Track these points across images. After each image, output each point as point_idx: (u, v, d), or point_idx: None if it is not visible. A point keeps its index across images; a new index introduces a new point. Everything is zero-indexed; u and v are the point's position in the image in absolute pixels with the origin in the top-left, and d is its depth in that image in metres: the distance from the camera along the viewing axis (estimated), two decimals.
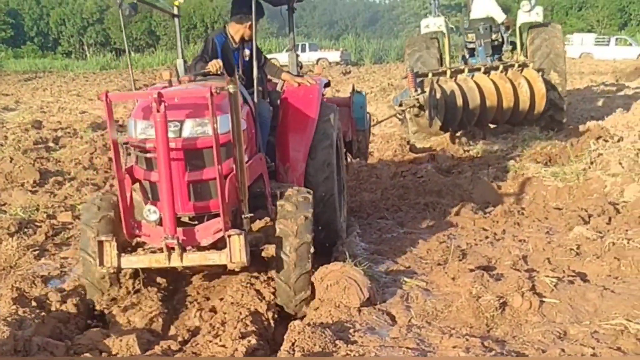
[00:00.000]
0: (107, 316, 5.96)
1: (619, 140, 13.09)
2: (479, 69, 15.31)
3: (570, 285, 5.98)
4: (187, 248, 5.95)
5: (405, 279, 6.37)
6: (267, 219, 6.81)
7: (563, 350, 4.76)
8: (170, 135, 5.77)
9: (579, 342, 4.90)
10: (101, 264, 5.91)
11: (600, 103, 20.61)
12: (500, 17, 17.01)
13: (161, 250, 5.88)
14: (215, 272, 6.84)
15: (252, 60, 7.42)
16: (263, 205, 6.65)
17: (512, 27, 17.14)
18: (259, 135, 7.13)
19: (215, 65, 7.11)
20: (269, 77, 8.18)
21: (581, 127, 15.21)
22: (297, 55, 8.65)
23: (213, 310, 5.91)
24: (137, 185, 6.27)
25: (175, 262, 5.87)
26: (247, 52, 7.71)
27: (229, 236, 5.76)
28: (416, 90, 14.17)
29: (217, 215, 5.93)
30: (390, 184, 11.13)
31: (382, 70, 46.21)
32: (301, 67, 9.08)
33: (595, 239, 7.43)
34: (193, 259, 5.92)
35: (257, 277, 6.23)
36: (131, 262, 6.05)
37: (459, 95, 14.53)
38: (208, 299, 6.37)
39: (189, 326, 5.71)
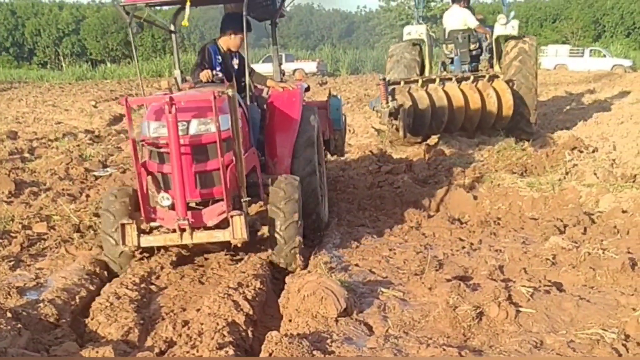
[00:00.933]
0: (83, 327, 5.93)
1: (593, 151, 13.21)
2: (450, 79, 15.93)
3: (546, 295, 6.01)
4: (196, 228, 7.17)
5: (382, 289, 6.37)
6: (261, 204, 8.16)
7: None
8: (179, 133, 6.93)
9: (556, 351, 4.92)
10: (123, 243, 7.16)
11: (574, 114, 20.74)
12: (473, 23, 17.44)
13: (174, 230, 7.12)
14: (191, 283, 6.86)
15: (240, 68, 8.80)
16: (256, 193, 7.87)
17: (489, 39, 17.62)
18: (251, 133, 8.34)
19: (206, 75, 8.22)
20: (255, 83, 9.25)
21: (556, 138, 15.31)
22: (280, 64, 9.66)
23: (190, 321, 5.88)
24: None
25: (187, 240, 7.16)
26: (235, 61, 8.96)
27: (232, 216, 7.07)
28: (387, 99, 14.89)
29: (220, 200, 7.25)
30: (367, 194, 11.15)
31: (359, 80, 46.34)
32: (284, 74, 10.28)
33: (571, 249, 7.47)
34: (201, 237, 7.22)
35: (234, 289, 6.20)
36: (149, 241, 7.26)
37: (428, 104, 15.37)
38: (184, 309, 6.35)
39: (165, 337, 5.67)
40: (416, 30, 17.81)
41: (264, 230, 7.72)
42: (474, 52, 17.90)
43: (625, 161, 11.97)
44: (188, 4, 7.74)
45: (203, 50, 8.92)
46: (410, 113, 15.36)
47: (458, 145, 15.23)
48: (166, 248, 8.00)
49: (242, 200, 7.28)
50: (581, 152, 13.10)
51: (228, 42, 8.83)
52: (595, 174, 10.89)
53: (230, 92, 7.04)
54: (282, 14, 10.23)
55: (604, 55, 53.45)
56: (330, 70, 64.64)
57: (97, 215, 9.90)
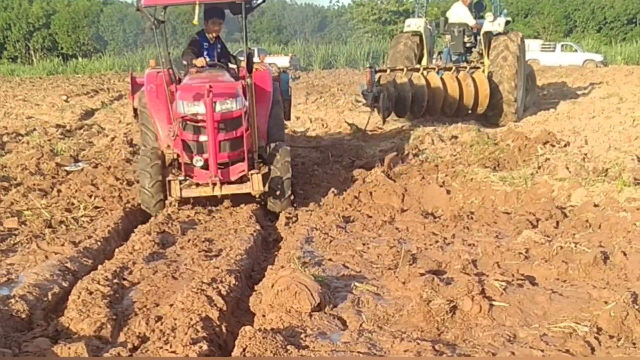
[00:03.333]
0: (54, 323, 5.88)
1: (565, 145, 13.30)
2: (433, 69, 18.48)
3: (519, 288, 6.03)
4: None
5: (356, 283, 6.36)
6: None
7: (513, 353, 4.80)
8: None
9: (529, 344, 4.94)
10: (170, 195, 9.82)
11: (546, 108, 20.83)
12: (471, 22, 20.06)
13: (206, 185, 9.76)
14: (164, 278, 6.83)
15: (221, 52, 11.24)
16: (259, 156, 10.09)
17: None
18: None
19: (201, 61, 10.56)
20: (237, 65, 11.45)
21: (528, 133, 15.37)
22: (252, 54, 10.71)
23: (163, 316, 5.84)
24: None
25: (217, 192, 9.80)
26: (218, 47, 11.21)
27: (251, 174, 9.84)
28: (372, 85, 17.54)
29: (240, 161, 9.92)
30: (340, 189, 11.15)
31: (332, 75, 46.36)
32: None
33: (544, 243, 7.51)
34: (229, 188, 9.91)
35: (208, 284, 6.17)
36: (189, 192, 9.91)
37: (409, 90, 17.75)
38: (157, 305, 6.30)
39: (138, 332, 5.62)
40: (415, 23, 20.16)
41: (266, 185, 10.00)
42: (468, 45, 20.39)
43: (596, 155, 12.07)
44: (197, 4, 9.49)
45: (193, 39, 11.13)
46: (392, 98, 17.72)
47: (431, 140, 15.25)
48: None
49: (256, 162, 9.91)
50: (553, 146, 13.18)
51: (212, 28, 10.99)
52: (567, 168, 10.95)
53: (249, 80, 9.84)
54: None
55: (576, 50, 53.76)
56: (303, 65, 64.46)
57: (68, 210, 9.86)
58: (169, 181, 9.73)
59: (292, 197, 10.25)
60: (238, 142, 9.82)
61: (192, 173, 9.89)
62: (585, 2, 74.14)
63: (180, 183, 9.83)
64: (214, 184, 9.65)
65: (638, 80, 28.52)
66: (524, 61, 20.55)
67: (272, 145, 10.29)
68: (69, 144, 16.06)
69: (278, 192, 10.00)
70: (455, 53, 20.60)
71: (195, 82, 9.97)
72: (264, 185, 9.90)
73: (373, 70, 18.15)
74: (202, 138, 9.71)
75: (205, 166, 9.72)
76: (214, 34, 11.06)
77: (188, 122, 9.73)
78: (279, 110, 11.27)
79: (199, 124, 9.66)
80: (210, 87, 9.31)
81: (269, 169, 10.01)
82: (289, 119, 13.35)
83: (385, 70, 18.95)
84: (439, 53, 21.36)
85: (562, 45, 54.83)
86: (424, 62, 19.78)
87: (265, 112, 10.82)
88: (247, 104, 9.83)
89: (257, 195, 10.00)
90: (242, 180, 9.97)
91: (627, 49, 58.74)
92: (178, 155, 9.99)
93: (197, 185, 9.95)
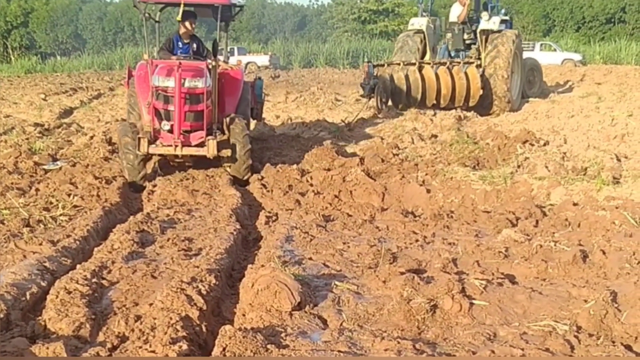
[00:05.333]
0: (33, 323, 5.83)
1: (545, 144, 13.37)
2: (428, 63, 20.18)
3: (499, 287, 6.04)
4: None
5: (337, 282, 6.35)
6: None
7: (493, 351, 4.80)
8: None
9: (509, 343, 4.95)
10: (139, 150, 11.45)
11: (525, 107, 20.93)
12: (460, 17, 21.89)
13: (170, 145, 11.67)
14: (143, 278, 6.78)
15: (198, 50, 13.16)
16: (220, 128, 12.16)
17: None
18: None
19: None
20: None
21: (508, 132, 15.44)
22: (229, 57, 13.68)
23: (142, 315, 5.81)
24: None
25: (178, 151, 11.72)
26: (194, 45, 13.18)
27: (208, 140, 11.70)
28: (368, 78, 19.44)
29: (201, 129, 11.88)
30: (320, 188, 11.14)
31: (311, 74, 46.33)
32: (228, 59, 14.74)
33: (523, 242, 7.53)
34: (189, 150, 11.83)
35: (188, 283, 6.14)
36: (154, 149, 11.69)
37: (404, 83, 19.59)
38: (137, 304, 6.26)
39: (118, 332, 5.58)
40: (418, 22, 21.96)
41: (227, 152, 11.83)
42: (467, 42, 21.98)
43: (575, 154, 12.12)
44: (182, 4, 11.97)
45: (168, 39, 13.20)
46: (387, 90, 19.67)
47: (411, 139, 15.29)
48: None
49: (214, 131, 11.87)
50: (532, 145, 13.25)
51: (185, 28, 12.94)
52: (546, 167, 10.99)
53: (214, 63, 11.96)
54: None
55: (554, 50, 54.06)
56: (283, 63, 64.43)
57: (47, 209, 9.79)
58: (139, 138, 11.48)
59: (248, 159, 12.11)
60: (200, 114, 11.88)
61: (160, 135, 11.80)
62: (564, 2, 74.51)
63: (149, 143, 11.53)
64: (176, 145, 11.63)
65: (616, 79, 28.72)
66: (522, 56, 22.53)
67: (229, 119, 12.23)
68: (47, 142, 15.96)
69: (238, 161, 12.00)
70: (454, 49, 22.18)
71: (170, 62, 12.00)
72: (218, 151, 11.67)
73: (371, 64, 20.15)
74: (171, 108, 11.75)
75: (171, 131, 11.69)
76: (188, 33, 13.06)
77: (160, 92, 11.77)
78: (246, 107, 13.47)
79: (169, 94, 11.71)
80: (180, 64, 11.59)
81: (229, 139, 11.96)
82: (260, 120, 15.99)
83: (383, 65, 20.88)
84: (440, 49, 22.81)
85: (541, 45, 55.17)
86: (427, 58, 21.41)
87: (234, 103, 13.01)
88: (210, 84, 11.87)
89: (211, 157, 11.80)
90: (201, 145, 11.81)
91: (605, 48, 59.01)
92: (135, 125, 12.14)
93: (163, 146, 11.74)
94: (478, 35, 21.23)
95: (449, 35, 22.36)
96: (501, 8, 23.22)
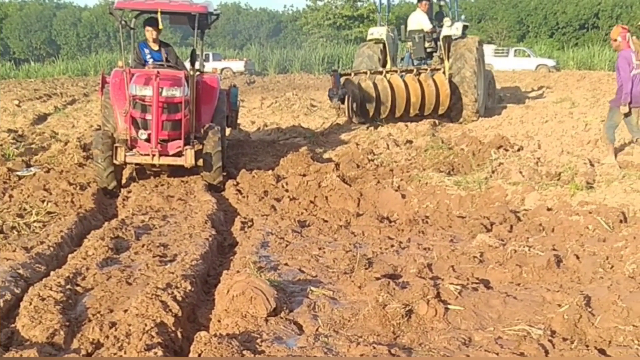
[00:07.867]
0: (6, 331, 5.79)
1: (519, 150, 13.45)
2: (395, 71, 19.57)
3: (474, 292, 6.07)
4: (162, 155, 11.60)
5: (312, 288, 6.36)
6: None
7: (468, 356, 4.83)
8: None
9: (484, 348, 4.98)
10: (116, 159, 11.42)
11: (500, 113, 21.03)
12: (427, 27, 20.99)
13: (148, 155, 11.49)
14: (118, 284, 6.75)
15: (168, 57, 12.94)
16: (196, 137, 11.97)
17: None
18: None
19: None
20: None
21: (482, 137, 15.51)
22: (204, 64, 13.28)
23: (117, 322, 5.78)
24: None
25: (156, 161, 11.60)
26: (164, 52, 12.99)
27: (185, 150, 11.58)
28: (337, 88, 18.70)
29: (178, 139, 11.83)
30: (295, 194, 11.14)
31: (287, 80, 46.26)
32: (204, 67, 14.72)
33: (498, 247, 7.57)
34: (166, 160, 11.73)
35: (163, 289, 6.12)
36: (131, 158, 11.60)
37: (373, 92, 18.84)
38: (112, 310, 6.23)
39: (92, 339, 5.55)
40: (378, 31, 21.27)
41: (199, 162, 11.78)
42: (429, 50, 21.31)
43: (549, 159, 12.21)
44: (159, 13, 12.05)
45: (134, 48, 13.14)
46: (356, 99, 18.92)
47: (386, 145, 15.33)
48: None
49: (192, 141, 11.73)
50: (507, 150, 13.32)
51: (151, 35, 12.87)
52: (520, 172, 11.05)
53: (192, 72, 11.97)
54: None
55: (529, 55, 54.35)
56: (258, 69, 64.37)
57: (20, 215, 9.71)
58: (116, 147, 11.44)
59: (221, 169, 12.11)
60: (177, 123, 11.80)
61: (137, 144, 11.71)
62: (538, 8, 74.98)
63: (126, 152, 11.45)
64: (154, 155, 11.45)
65: (590, 85, 28.91)
66: (483, 64, 21.71)
67: (205, 127, 12.23)
68: (21, 148, 15.84)
69: (209, 165, 11.86)
70: (416, 58, 21.56)
71: (147, 71, 12.04)
72: (196, 160, 11.64)
73: (338, 74, 19.46)
74: (148, 117, 11.60)
75: (149, 140, 11.56)
76: (153, 40, 12.93)
77: (137, 101, 11.63)
78: (222, 116, 13.43)
79: (146, 103, 11.57)
80: (158, 73, 11.53)
81: (202, 146, 11.82)
82: (235, 127, 15.98)
83: (349, 74, 19.84)
84: (402, 59, 22.48)
85: (515, 50, 55.44)
86: (388, 67, 20.55)
87: (210, 111, 13.00)
88: (188, 93, 11.87)
89: (188, 167, 11.77)
90: (179, 155, 11.73)
91: (579, 54, 59.46)
92: (112, 135, 11.94)
93: (140, 155, 11.62)
94: (440, 42, 20.56)
95: (409, 44, 21.89)
96: (461, 14, 23.05)
